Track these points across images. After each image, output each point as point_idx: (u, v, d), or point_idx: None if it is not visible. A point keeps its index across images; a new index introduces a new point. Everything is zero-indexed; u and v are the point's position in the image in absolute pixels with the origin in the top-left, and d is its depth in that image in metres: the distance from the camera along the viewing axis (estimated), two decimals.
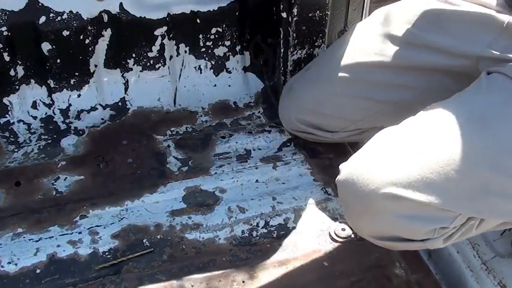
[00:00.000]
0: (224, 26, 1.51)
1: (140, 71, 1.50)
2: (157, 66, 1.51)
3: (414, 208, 0.93)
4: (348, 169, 1.01)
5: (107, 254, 1.13)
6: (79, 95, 1.47)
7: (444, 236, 0.99)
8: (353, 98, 1.23)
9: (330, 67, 1.25)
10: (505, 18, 1.03)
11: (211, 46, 1.53)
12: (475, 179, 0.91)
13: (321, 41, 1.45)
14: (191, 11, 1.46)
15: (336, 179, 1.06)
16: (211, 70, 1.57)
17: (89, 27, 1.39)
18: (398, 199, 0.92)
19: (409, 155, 0.94)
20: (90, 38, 1.41)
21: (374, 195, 0.95)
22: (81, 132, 1.43)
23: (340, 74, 1.23)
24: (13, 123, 1.42)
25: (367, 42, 1.20)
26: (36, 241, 1.15)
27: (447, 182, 0.91)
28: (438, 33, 1.09)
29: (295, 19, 1.39)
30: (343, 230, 1.18)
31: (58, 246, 1.14)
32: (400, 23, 1.15)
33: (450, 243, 1.02)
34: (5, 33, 1.33)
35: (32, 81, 1.42)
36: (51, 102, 1.45)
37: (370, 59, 1.18)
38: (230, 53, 1.56)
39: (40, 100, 1.44)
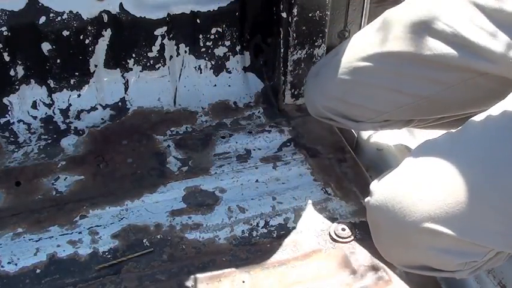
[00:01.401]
0: (224, 26, 1.51)
1: (140, 71, 1.50)
2: (157, 66, 1.51)
3: (449, 243, 0.92)
4: (382, 194, 0.98)
5: (107, 254, 1.13)
6: (79, 95, 1.47)
7: (473, 269, 0.98)
8: (381, 89, 1.17)
9: (359, 54, 1.18)
10: None
11: (211, 46, 1.54)
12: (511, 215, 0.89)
13: (321, 41, 1.45)
14: (191, 11, 1.46)
15: (367, 200, 1.04)
16: (211, 70, 1.57)
17: (89, 27, 1.39)
18: (435, 234, 0.91)
19: (448, 186, 0.91)
20: (90, 38, 1.41)
21: (411, 228, 0.93)
22: (81, 132, 1.43)
23: (369, 63, 1.16)
24: (13, 123, 1.42)
25: (402, 31, 1.12)
26: (36, 241, 1.15)
27: (484, 218, 0.89)
28: (478, 33, 1.01)
29: (295, 19, 1.39)
30: (343, 230, 1.18)
31: (58, 246, 1.14)
32: (440, 16, 1.06)
33: (476, 274, 1.01)
34: (5, 33, 1.33)
35: (32, 81, 1.42)
36: (51, 102, 1.45)
37: (404, 49, 1.11)
38: (230, 53, 1.56)
39: (40, 100, 1.44)
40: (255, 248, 1.16)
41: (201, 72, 1.56)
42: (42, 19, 1.35)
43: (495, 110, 0.95)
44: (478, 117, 0.96)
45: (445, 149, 0.96)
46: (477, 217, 0.90)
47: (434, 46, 1.06)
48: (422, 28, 1.08)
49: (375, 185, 1.03)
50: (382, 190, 1.00)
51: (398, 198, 0.96)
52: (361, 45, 1.19)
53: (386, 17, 1.18)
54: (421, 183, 0.95)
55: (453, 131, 0.99)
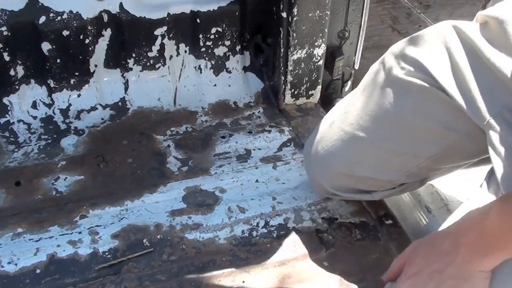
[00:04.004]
0: (224, 26, 1.51)
1: (140, 71, 1.50)
2: (157, 66, 1.51)
3: None
4: None
5: (107, 254, 1.13)
6: (79, 95, 1.47)
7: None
8: (390, 154, 1.06)
9: (356, 122, 1.08)
10: None
11: (211, 46, 1.54)
12: None
13: (321, 41, 1.45)
14: (191, 10, 1.46)
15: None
16: (211, 70, 1.57)
17: (89, 27, 1.39)
18: None
19: None
20: (90, 38, 1.41)
21: None
22: (81, 132, 1.43)
23: (370, 127, 1.06)
24: (13, 123, 1.42)
25: (392, 90, 1.03)
26: (36, 241, 1.15)
27: None
28: (457, 91, 0.94)
29: (295, 19, 1.39)
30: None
31: (58, 246, 1.14)
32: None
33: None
34: (5, 33, 1.33)
35: (32, 81, 1.42)
36: (51, 102, 1.45)
37: (401, 106, 1.02)
38: (230, 53, 1.56)
39: (40, 100, 1.44)
40: (255, 248, 1.16)
41: (201, 72, 1.56)
42: (42, 19, 1.35)
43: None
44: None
45: None
46: None
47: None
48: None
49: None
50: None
51: None
52: (356, 111, 1.09)
53: (365, 82, 1.10)
54: None
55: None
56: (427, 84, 0.98)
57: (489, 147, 0.89)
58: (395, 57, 1.04)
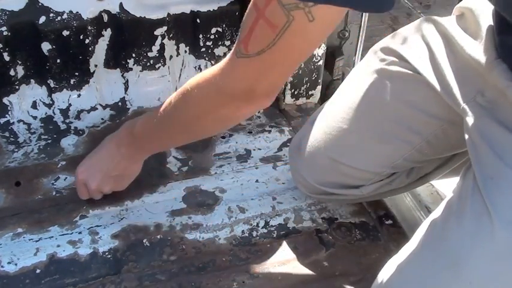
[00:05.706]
0: (224, 26, 1.51)
1: (140, 71, 1.50)
2: (157, 66, 1.51)
3: None
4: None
5: (106, 254, 1.13)
6: (79, 95, 1.47)
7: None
8: (374, 144, 1.08)
9: (340, 115, 1.10)
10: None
11: (211, 46, 1.53)
12: None
13: None
14: (191, 10, 1.46)
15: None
16: None
17: (89, 27, 1.39)
18: None
19: None
20: (90, 38, 1.41)
21: None
22: (81, 132, 1.43)
23: (355, 119, 1.08)
24: (13, 123, 1.42)
25: (378, 86, 1.06)
26: (36, 241, 1.15)
27: None
28: (435, 78, 0.97)
29: None
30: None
31: (58, 246, 1.14)
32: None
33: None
34: (5, 33, 1.33)
35: (32, 81, 1.42)
36: (51, 102, 1.45)
37: (387, 96, 1.04)
38: None
39: (40, 100, 1.44)
40: (255, 248, 1.16)
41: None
42: (42, 19, 1.34)
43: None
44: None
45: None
46: None
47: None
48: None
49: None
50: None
51: None
52: (338, 106, 1.12)
53: (353, 73, 1.15)
54: None
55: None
56: (408, 71, 1.02)
57: (465, 134, 0.90)
58: (374, 52, 1.09)
